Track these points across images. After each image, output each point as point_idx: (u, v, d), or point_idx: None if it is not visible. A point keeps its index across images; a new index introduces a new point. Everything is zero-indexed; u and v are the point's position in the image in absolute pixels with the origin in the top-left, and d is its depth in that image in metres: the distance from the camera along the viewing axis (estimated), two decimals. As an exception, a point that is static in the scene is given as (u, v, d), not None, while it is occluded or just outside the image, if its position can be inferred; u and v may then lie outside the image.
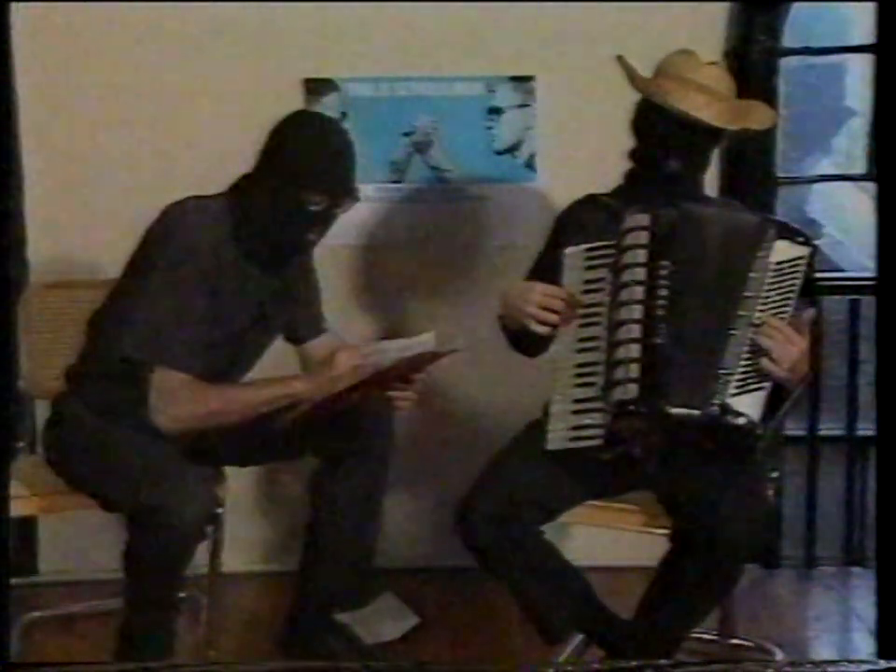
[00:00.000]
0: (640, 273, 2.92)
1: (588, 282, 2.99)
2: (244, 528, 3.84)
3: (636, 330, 2.89)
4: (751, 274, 2.90)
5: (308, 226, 3.13)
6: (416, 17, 3.80)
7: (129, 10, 3.74)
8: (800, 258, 2.92)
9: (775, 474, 3.31)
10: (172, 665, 2.39)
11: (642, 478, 3.03)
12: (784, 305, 2.89)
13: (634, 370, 2.87)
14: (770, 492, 3.17)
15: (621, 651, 3.06)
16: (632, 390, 2.86)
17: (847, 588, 4.03)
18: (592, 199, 3.20)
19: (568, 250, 3.03)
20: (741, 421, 2.84)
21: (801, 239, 2.95)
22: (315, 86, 3.83)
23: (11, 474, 3.20)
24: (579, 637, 3.29)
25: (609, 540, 3.59)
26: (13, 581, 2.89)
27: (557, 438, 2.98)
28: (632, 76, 3.14)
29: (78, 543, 3.85)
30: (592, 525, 3.23)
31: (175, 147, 3.81)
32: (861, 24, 4.09)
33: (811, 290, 2.97)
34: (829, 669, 1.89)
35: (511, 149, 3.88)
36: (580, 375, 2.97)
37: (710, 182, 3.33)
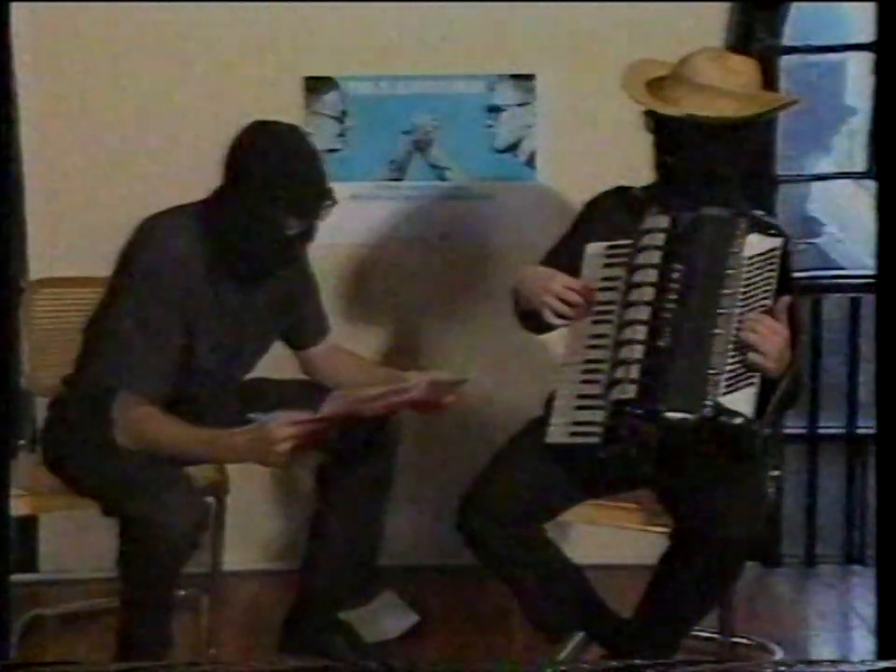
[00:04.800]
0: (652, 275, 2.92)
1: (605, 279, 2.99)
2: (245, 526, 3.84)
3: (641, 332, 2.89)
4: (727, 271, 2.90)
5: (290, 246, 3.08)
6: (416, 15, 3.80)
7: (129, 10, 3.74)
8: (773, 249, 2.92)
9: (775, 472, 3.31)
10: (171, 665, 2.39)
11: (642, 477, 3.03)
12: (763, 298, 2.89)
13: (634, 371, 2.87)
14: (770, 490, 3.17)
15: (621, 649, 3.07)
16: (630, 391, 2.86)
17: (847, 586, 4.03)
18: (622, 191, 3.18)
19: (590, 246, 3.03)
20: (738, 420, 2.84)
21: (772, 231, 2.95)
22: (316, 84, 3.83)
23: (12, 472, 3.20)
24: (579, 636, 3.29)
25: (610, 539, 3.59)
26: (13, 578, 2.89)
27: (557, 432, 2.98)
28: (624, 86, 3.13)
29: (79, 541, 3.85)
30: (592, 524, 3.23)
31: (175, 146, 3.81)
32: (861, 23, 4.09)
33: (788, 281, 2.97)
34: (830, 670, 1.89)
35: (512, 148, 3.88)
36: (586, 372, 2.97)
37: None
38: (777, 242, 2.93)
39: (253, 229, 3.04)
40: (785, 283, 2.92)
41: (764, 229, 2.95)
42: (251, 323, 3.20)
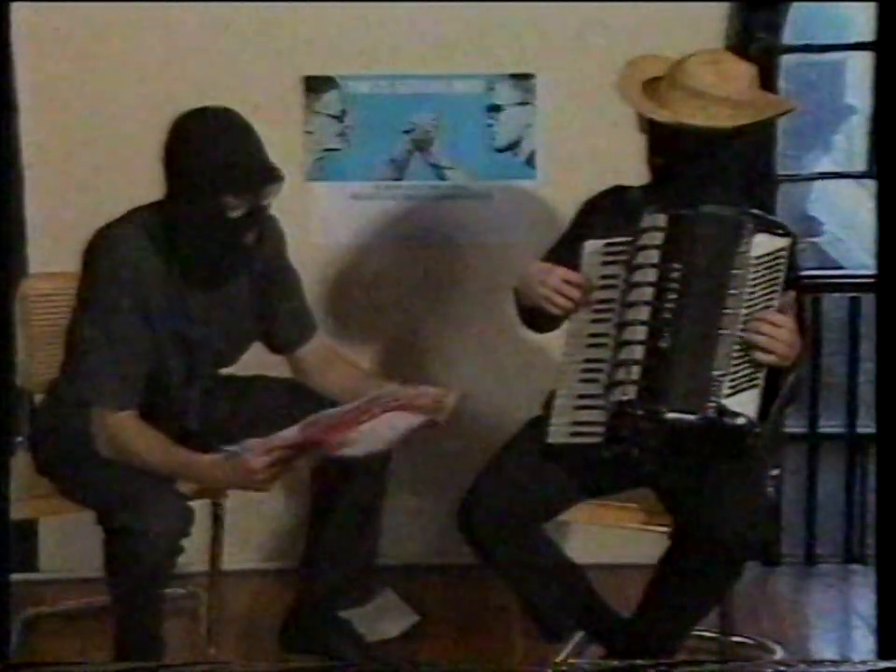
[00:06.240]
0: (651, 274, 2.91)
1: (604, 277, 2.99)
2: (244, 526, 3.84)
3: (641, 332, 2.89)
4: (734, 271, 2.89)
5: (238, 232, 3.04)
6: (416, 14, 3.80)
7: (129, 9, 3.74)
8: (781, 249, 2.91)
9: (775, 472, 3.31)
10: (171, 665, 2.39)
11: (642, 476, 3.03)
12: (770, 298, 2.88)
13: (635, 372, 2.87)
14: (770, 489, 3.17)
15: (621, 648, 3.07)
16: (631, 392, 2.86)
17: (847, 585, 4.02)
18: (620, 190, 3.17)
19: (588, 243, 3.02)
20: (740, 421, 2.83)
21: (780, 231, 2.94)
22: (315, 83, 3.82)
23: (12, 473, 3.19)
24: (579, 635, 3.29)
25: (610, 539, 3.59)
26: (13, 577, 2.89)
27: (558, 432, 2.98)
28: (619, 86, 3.12)
29: (79, 540, 3.84)
30: (592, 524, 3.23)
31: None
32: (861, 22, 4.09)
33: (794, 279, 2.96)
34: (831, 670, 1.89)
35: (512, 147, 3.87)
36: (586, 371, 2.97)
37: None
38: (784, 242, 2.91)
39: (196, 218, 3.02)
40: (790, 281, 2.92)
41: (772, 228, 2.94)
42: (219, 322, 3.19)
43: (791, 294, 2.89)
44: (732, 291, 2.88)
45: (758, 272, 2.89)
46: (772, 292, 2.88)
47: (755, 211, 3.01)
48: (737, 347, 2.86)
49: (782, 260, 2.89)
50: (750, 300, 2.88)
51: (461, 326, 3.93)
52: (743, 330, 2.86)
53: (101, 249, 3.08)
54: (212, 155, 2.99)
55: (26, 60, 3.73)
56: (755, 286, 2.88)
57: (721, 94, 2.98)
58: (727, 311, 2.87)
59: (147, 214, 3.11)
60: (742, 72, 3.05)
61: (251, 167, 3.02)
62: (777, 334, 2.84)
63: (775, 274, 2.89)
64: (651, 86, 3.08)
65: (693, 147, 3.00)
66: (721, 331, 2.87)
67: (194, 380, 3.22)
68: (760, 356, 2.85)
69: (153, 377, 3.10)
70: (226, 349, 3.26)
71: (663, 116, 3.00)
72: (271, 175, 3.04)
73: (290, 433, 2.98)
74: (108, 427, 3.04)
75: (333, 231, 3.88)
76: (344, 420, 3.00)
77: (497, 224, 3.89)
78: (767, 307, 2.87)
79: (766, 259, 2.90)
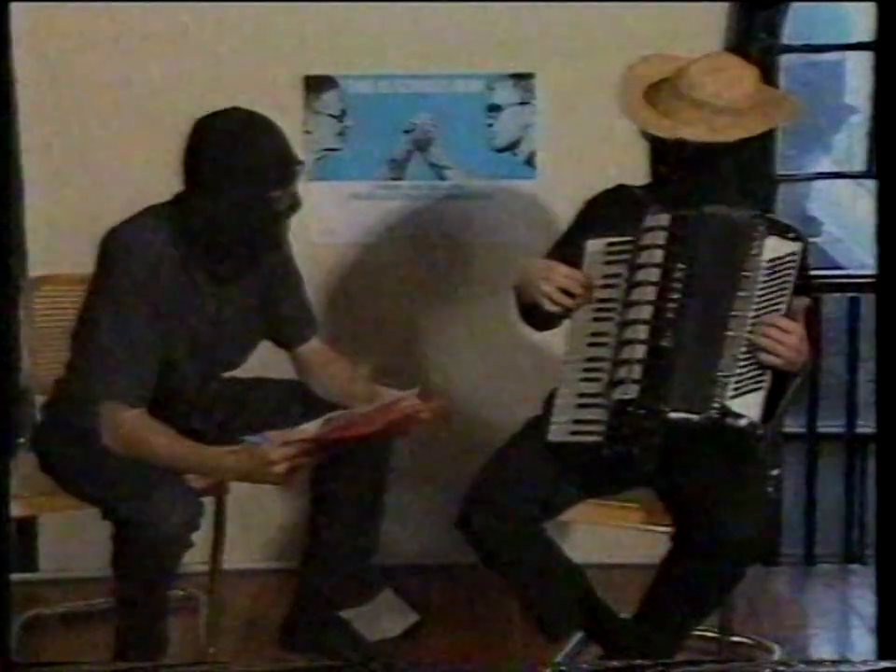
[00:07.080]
0: (654, 274, 2.91)
1: (606, 276, 2.99)
2: (245, 526, 3.84)
3: (643, 331, 2.89)
4: (744, 274, 2.89)
5: (280, 223, 3.10)
6: (416, 14, 3.80)
7: (129, 9, 3.74)
8: (792, 254, 2.91)
9: (775, 472, 3.31)
10: (171, 665, 2.39)
11: (643, 476, 3.03)
12: (779, 302, 2.88)
13: (636, 371, 2.87)
14: (771, 490, 3.17)
15: (620, 649, 3.06)
16: (633, 391, 2.86)
17: (847, 585, 4.03)
18: (623, 190, 3.16)
19: (590, 243, 3.02)
20: (743, 423, 2.84)
21: (792, 235, 2.94)
22: (315, 83, 3.83)
23: (12, 472, 3.19)
24: (579, 636, 3.29)
25: (610, 538, 3.59)
26: (13, 577, 2.89)
27: (559, 430, 2.98)
28: (622, 105, 3.10)
29: (79, 540, 3.84)
30: (593, 523, 3.23)
31: (175, 145, 3.80)
32: (861, 22, 4.09)
33: (806, 285, 2.96)
34: (830, 670, 1.88)
35: (511, 147, 3.87)
36: (587, 370, 2.97)
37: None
38: (795, 246, 2.91)
39: (244, 215, 3.03)
40: (801, 285, 2.91)
41: (783, 232, 2.94)
42: (230, 322, 3.20)
43: (805, 301, 2.89)
44: (740, 294, 2.88)
45: (768, 275, 2.89)
46: (781, 296, 2.88)
47: (767, 214, 3.01)
48: (744, 350, 2.86)
49: (792, 265, 2.89)
50: (759, 303, 2.88)
51: (461, 325, 3.93)
52: (751, 333, 2.86)
53: (118, 246, 3.07)
54: (255, 151, 3.02)
55: (26, 60, 3.73)
56: (764, 289, 2.88)
57: (725, 104, 2.95)
58: (735, 313, 2.87)
59: (166, 211, 3.11)
60: (746, 77, 3.02)
61: (287, 157, 3.07)
62: (785, 339, 2.84)
63: (785, 278, 2.89)
64: (654, 90, 3.06)
65: (696, 156, 2.98)
66: (727, 333, 2.87)
67: (205, 381, 3.23)
68: (765, 358, 2.85)
69: (164, 376, 3.10)
70: (235, 351, 3.27)
71: (664, 130, 2.98)
72: (298, 160, 3.10)
73: (310, 428, 2.99)
74: (120, 423, 3.03)
75: (333, 230, 3.88)
76: (365, 420, 3.01)
77: (496, 224, 3.89)
78: (776, 311, 2.87)
79: (777, 262, 2.89)
